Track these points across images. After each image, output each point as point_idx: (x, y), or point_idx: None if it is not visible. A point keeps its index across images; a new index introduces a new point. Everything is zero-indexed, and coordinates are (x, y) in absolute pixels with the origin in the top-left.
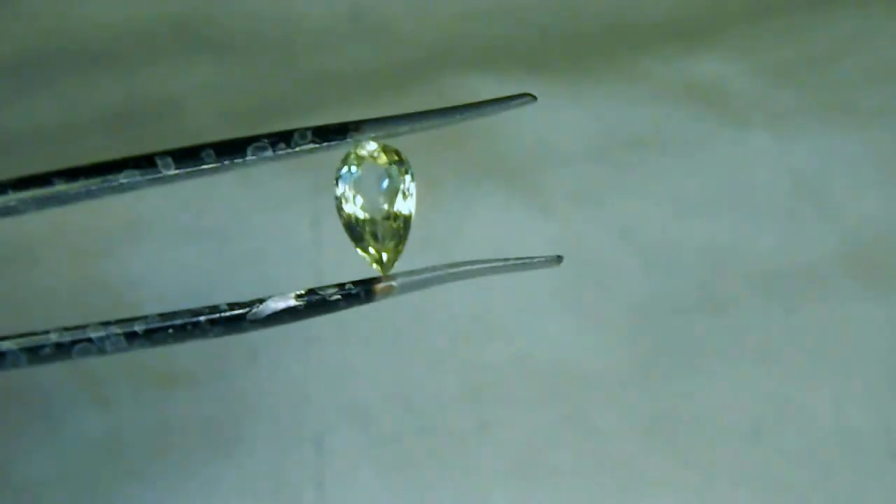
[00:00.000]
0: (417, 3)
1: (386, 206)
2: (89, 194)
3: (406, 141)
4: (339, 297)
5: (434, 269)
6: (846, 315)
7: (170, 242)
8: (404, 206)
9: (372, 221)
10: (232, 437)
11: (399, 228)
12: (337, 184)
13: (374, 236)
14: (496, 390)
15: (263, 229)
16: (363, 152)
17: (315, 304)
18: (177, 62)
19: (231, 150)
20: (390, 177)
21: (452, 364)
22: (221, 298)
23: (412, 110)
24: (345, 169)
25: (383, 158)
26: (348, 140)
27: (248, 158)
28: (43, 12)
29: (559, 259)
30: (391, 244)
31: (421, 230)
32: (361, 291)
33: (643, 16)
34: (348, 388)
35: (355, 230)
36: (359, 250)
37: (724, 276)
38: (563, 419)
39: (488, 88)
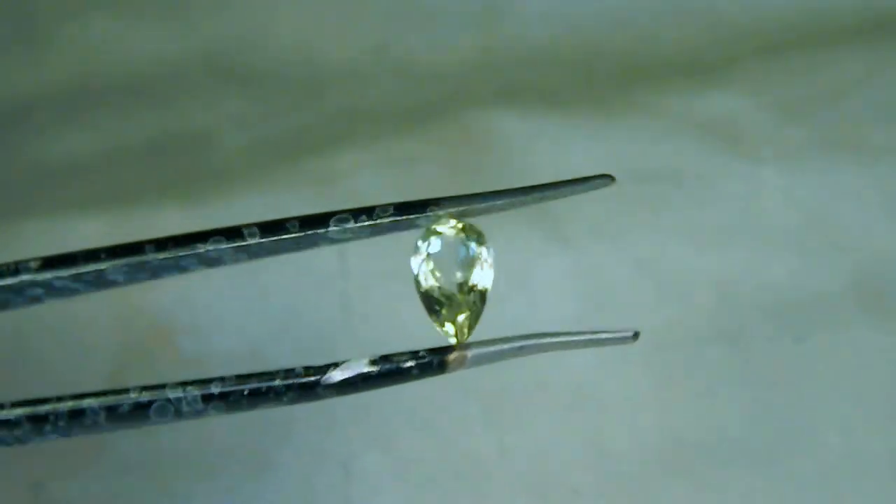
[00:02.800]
0: (440, 38)
1: (462, 280)
2: (177, 264)
3: (431, 174)
4: (412, 364)
5: (507, 340)
6: (854, 344)
7: (202, 272)
8: (480, 279)
9: (449, 294)
10: (264, 460)
11: (475, 302)
12: (415, 256)
13: (451, 308)
14: (516, 416)
15: (291, 260)
16: (441, 227)
17: (388, 372)
18: (208, 96)
19: (315, 222)
20: (467, 251)
21: (473, 389)
22: (252, 327)
23: (436, 144)
24: (423, 242)
25: (461, 233)
26: (428, 214)
27: (330, 229)
28: (77, 47)
29: (636, 335)
30: (466, 316)
31: None
32: (435, 361)
33: (659, 54)
34: (374, 413)
35: (431, 301)
36: (434, 323)
37: (735, 306)
38: (581, 443)
39: (509, 124)
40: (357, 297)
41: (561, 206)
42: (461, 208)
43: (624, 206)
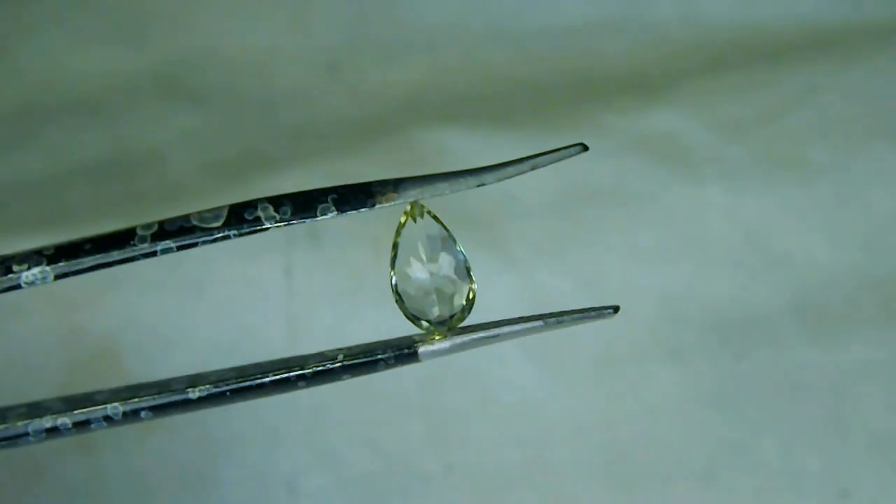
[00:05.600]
0: (391, 56)
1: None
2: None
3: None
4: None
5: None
6: (794, 360)
7: (148, 292)
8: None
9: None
10: (207, 480)
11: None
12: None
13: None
14: (461, 433)
15: (238, 279)
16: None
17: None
18: (159, 114)
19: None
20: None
21: (420, 408)
22: (199, 347)
23: (385, 163)
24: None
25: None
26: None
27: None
28: (27, 67)
29: (616, 310)
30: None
31: (387, 281)
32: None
33: (605, 72)
34: (319, 432)
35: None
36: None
37: (678, 324)
38: (526, 461)
39: (459, 142)
40: (304, 316)
41: (505, 224)
42: (423, 189)
43: (568, 225)
